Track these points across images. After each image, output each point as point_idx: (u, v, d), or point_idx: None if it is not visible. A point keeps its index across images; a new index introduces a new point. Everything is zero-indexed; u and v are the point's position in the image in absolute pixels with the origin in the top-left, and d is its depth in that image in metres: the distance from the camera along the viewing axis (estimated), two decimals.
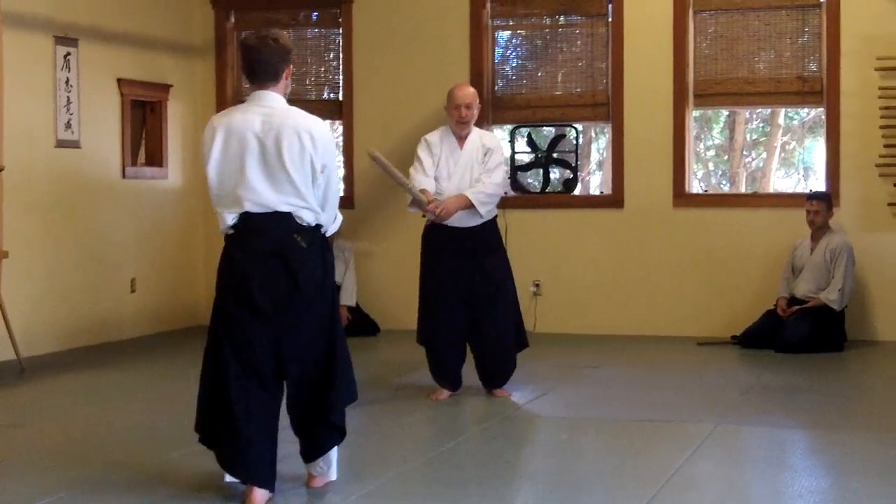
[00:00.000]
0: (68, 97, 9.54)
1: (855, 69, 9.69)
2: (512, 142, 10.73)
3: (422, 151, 7.32)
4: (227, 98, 11.12)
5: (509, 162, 7.23)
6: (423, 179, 7.21)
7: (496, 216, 7.45)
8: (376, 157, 6.80)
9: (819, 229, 9.46)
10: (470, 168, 7.27)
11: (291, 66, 5.10)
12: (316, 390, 5.02)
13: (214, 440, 4.98)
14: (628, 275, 10.25)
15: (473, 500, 5.05)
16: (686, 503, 5.01)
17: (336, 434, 5.12)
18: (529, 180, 10.99)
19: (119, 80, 10.13)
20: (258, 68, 5.00)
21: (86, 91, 9.73)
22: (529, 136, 10.77)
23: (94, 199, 9.87)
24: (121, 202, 10.17)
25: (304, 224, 4.96)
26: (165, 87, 10.69)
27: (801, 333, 9.13)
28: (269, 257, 4.91)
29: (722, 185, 16.61)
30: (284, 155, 4.89)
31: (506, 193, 10.50)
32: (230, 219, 4.98)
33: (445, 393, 7.33)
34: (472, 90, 7.42)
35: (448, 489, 5.28)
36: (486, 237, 7.33)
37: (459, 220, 7.19)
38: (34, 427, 6.67)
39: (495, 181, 7.24)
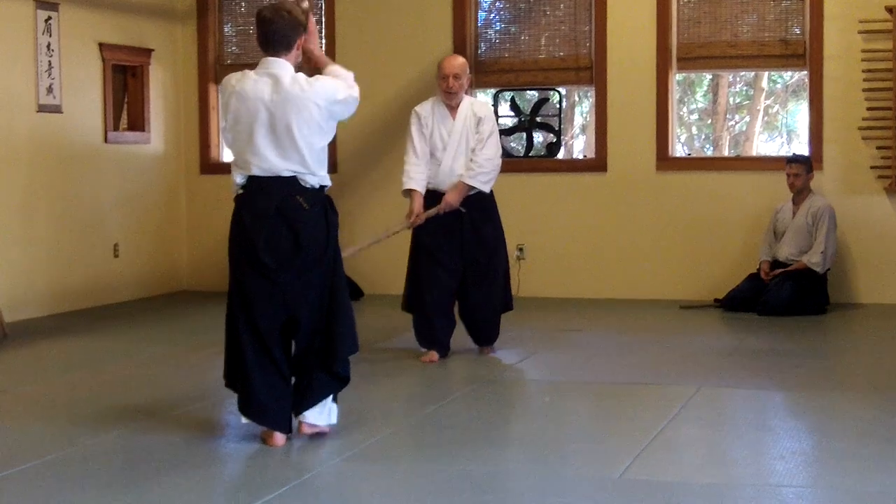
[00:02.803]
0: (49, 62, 9.48)
1: (838, 32, 9.69)
2: (495, 106, 10.70)
3: (413, 129, 7.35)
4: (208, 62, 11.07)
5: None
6: (412, 171, 7.25)
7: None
8: (349, 254, 6.76)
9: (800, 192, 9.48)
10: (465, 138, 7.32)
11: (303, 37, 5.34)
12: (319, 342, 5.34)
13: (234, 386, 5.39)
14: (611, 239, 10.26)
15: (458, 463, 5.07)
16: (668, 465, 5.04)
17: (336, 382, 5.40)
18: (513, 144, 10.98)
19: (100, 45, 10.08)
20: (273, 38, 5.28)
21: (67, 56, 9.67)
22: (513, 99, 10.75)
23: (76, 164, 9.84)
24: (103, 167, 10.14)
25: (308, 186, 5.26)
26: (147, 52, 10.63)
27: (783, 296, 9.16)
28: (273, 217, 5.21)
29: (705, 149, 16.62)
30: (292, 123, 5.19)
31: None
32: (240, 180, 5.30)
33: (435, 355, 7.37)
34: (460, 61, 7.42)
35: (433, 451, 5.31)
36: (483, 206, 7.39)
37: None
38: (21, 391, 6.67)
39: (487, 156, 7.29)
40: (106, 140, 10.17)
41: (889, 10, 9.44)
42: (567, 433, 5.70)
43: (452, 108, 7.36)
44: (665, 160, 10.16)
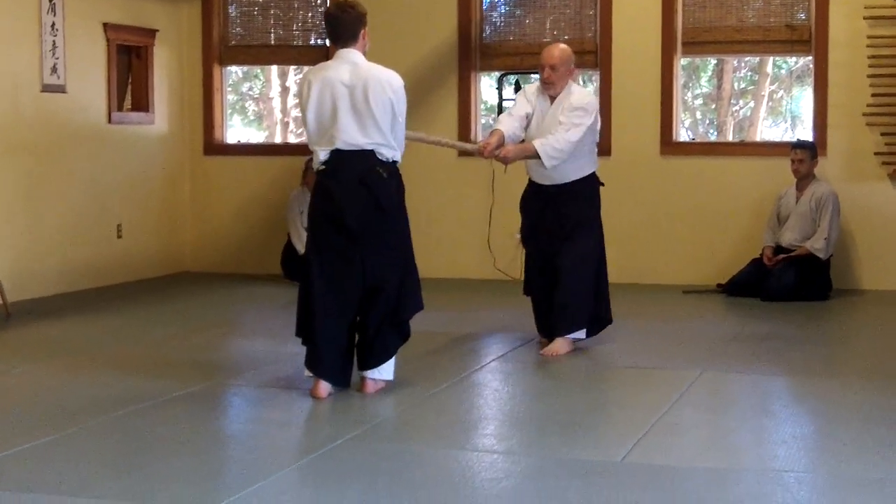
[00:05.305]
0: (54, 41, 9.48)
1: (843, 18, 9.67)
2: (499, 89, 10.70)
3: (519, 97, 7.17)
4: (213, 43, 11.05)
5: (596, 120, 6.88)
6: (504, 119, 7.07)
7: (592, 175, 7.32)
8: (409, 136, 6.48)
9: (804, 178, 9.47)
10: (555, 126, 6.96)
11: (367, 28, 5.99)
12: (391, 302, 5.92)
13: (302, 337, 5.94)
14: (615, 223, 10.19)
15: (459, 446, 5.08)
16: (670, 448, 5.05)
17: (400, 340, 6.03)
18: None
19: (105, 25, 10.07)
20: (340, 31, 5.96)
21: (71, 35, 9.67)
22: (517, 83, 10.72)
23: (79, 144, 9.84)
24: (107, 147, 10.14)
25: (384, 159, 5.85)
26: (152, 32, 10.62)
27: (786, 282, 9.16)
28: (357, 186, 5.79)
29: (709, 134, 16.60)
30: (371, 101, 5.80)
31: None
32: (323, 155, 5.86)
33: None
34: (558, 51, 7.00)
35: (431, 434, 5.33)
36: (570, 190, 7.18)
37: (542, 175, 7.12)
38: (23, 371, 6.68)
39: (569, 138, 6.87)
40: (110, 121, 10.17)
41: None
42: (568, 417, 5.70)
43: (552, 98, 7.05)
44: (669, 145, 10.15)
